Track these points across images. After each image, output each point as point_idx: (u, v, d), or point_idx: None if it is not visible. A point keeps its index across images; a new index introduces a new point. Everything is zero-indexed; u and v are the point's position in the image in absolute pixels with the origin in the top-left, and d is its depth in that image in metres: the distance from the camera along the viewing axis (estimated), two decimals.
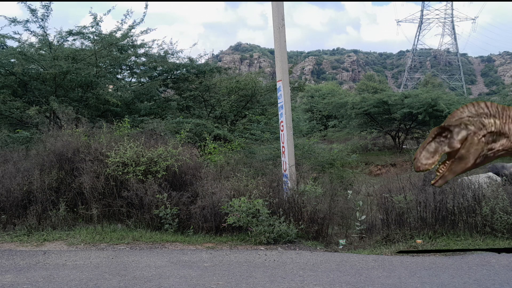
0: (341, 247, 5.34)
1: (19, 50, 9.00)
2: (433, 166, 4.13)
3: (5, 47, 9.61)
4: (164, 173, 6.13)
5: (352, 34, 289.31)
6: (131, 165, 6.15)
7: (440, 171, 4.15)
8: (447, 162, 4.15)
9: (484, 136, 4.43)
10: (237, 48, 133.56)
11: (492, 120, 4.48)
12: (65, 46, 10.08)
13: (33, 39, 9.87)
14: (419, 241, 5.11)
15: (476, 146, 4.31)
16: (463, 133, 4.40)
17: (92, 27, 9.68)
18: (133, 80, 12.02)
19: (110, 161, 6.17)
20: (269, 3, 6.95)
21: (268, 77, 33.21)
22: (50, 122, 8.58)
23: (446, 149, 4.32)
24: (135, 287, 3.26)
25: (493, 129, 4.47)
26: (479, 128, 4.44)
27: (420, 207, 5.49)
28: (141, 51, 11.15)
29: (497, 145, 4.49)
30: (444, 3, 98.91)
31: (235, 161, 7.52)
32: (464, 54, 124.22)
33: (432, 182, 4.24)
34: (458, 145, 4.38)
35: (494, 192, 5.33)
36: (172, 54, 11.79)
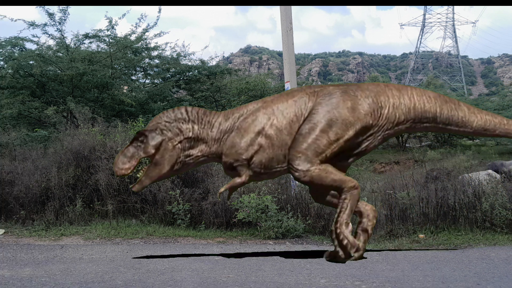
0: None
1: (38, 52, 9.25)
2: (130, 171, 4.14)
3: (24, 49, 9.86)
4: None
5: (357, 37, 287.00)
6: (145, 163, 6.31)
7: (138, 175, 4.20)
8: (145, 167, 4.18)
9: (180, 142, 4.46)
10: (247, 50, 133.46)
11: (190, 126, 4.52)
12: (82, 48, 10.32)
13: (51, 42, 10.14)
14: (421, 235, 5.21)
15: (171, 152, 4.37)
16: (158, 139, 4.45)
17: (108, 30, 9.93)
18: (147, 81, 12.24)
19: None
20: (278, 7, 7.08)
21: (277, 79, 33.24)
22: (67, 122, 8.77)
23: (142, 154, 4.35)
24: (149, 280, 3.30)
25: (190, 134, 4.50)
26: (175, 134, 4.47)
27: (422, 203, 5.60)
28: (155, 53, 11.38)
29: (196, 151, 4.54)
30: (446, 7, 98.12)
31: None
32: (465, 56, 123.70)
33: (131, 186, 4.31)
34: (153, 151, 4.44)
35: (493, 188, 5.41)
36: (185, 56, 12.02)
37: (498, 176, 6.98)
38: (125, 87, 10.66)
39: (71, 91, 9.39)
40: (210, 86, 11.98)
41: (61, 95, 9.48)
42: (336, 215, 3.65)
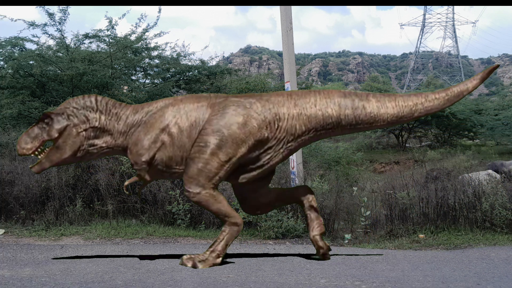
0: (347, 241, 5.45)
1: (38, 52, 9.25)
2: (32, 152, 4.10)
3: (24, 49, 9.88)
4: None
5: (357, 37, 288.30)
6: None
7: (39, 157, 4.15)
8: (47, 149, 4.11)
9: (85, 130, 4.41)
10: (247, 50, 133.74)
11: (97, 115, 4.47)
12: (82, 48, 10.33)
13: (51, 42, 10.13)
14: (421, 235, 5.22)
15: (74, 139, 4.32)
16: (63, 123, 4.39)
17: (108, 30, 9.92)
18: (147, 81, 12.24)
19: (125, 159, 6.35)
20: (278, 7, 7.09)
21: (277, 78, 33.24)
22: None
23: (45, 136, 4.30)
24: (149, 280, 3.30)
25: (96, 124, 4.46)
26: (82, 121, 4.43)
27: (422, 203, 5.61)
28: (155, 53, 11.38)
29: (100, 142, 4.49)
30: (446, 7, 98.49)
31: None
32: (465, 56, 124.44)
33: (30, 166, 4.28)
34: (56, 134, 4.38)
35: (493, 188, 5.43)
36: (185, 56, 12.02)
37: (498, 176, 7.00)
38: (125, 87, 10.67)
39: (71, 91, 9.41)
40: (210, 86, 11.99)
41: (61, 95, 9.49)
42: (212, 242, 3.69)
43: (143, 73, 11.98)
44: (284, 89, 7.63)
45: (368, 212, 5.69)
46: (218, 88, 11.98)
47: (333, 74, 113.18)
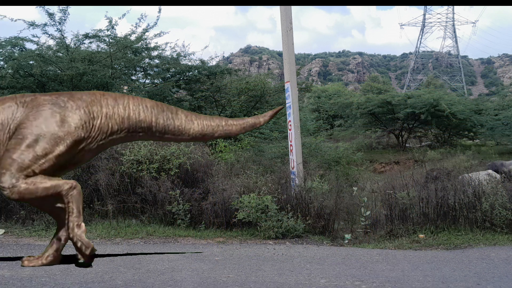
0: (347, 241, 5.46)
1: (38, 52, 9.25)
2: None
3: (24, 49, 9.88)
4: (176, 170, 6.29)
5: (357, 37, 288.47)
6: (145, 163, 6.33)
7: None
8: None
9: None
10: (247, 50, 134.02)
11: None
12: (82, 48, 10.33)
13: (51, 42, 10.13)
14: (421, 235, 5.22)
15: None
16: None
17: (108, 30, 9.92)
18: (147, 81, 12.25)
19: (125, 159, 6.35)
20: (278, 7, 7.09)
21: (277, 78, 33.31)
22: None
23: None
24: (149, 280, 3.31)
25: None
26: None
27: (422, 203, 5.61)
28: (155, 53, 11.38)
29: None
30: (446, 7, 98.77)
31: (244, 159, 7.64)
32: (465, 57, 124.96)
33: None
34: None
35: (493, 188, 5.44)
36: (185, 56, 12.02)
37: (498, 176, 7.01)
38: (125, 87, 10.69)
39: (71, 91, 9.42)
40: (210, 86, 11.99)
41: None
42: (66, 221, 3.60)
43: (143, 73, 11.99)
44: (284, 89, 7.63)
45: (368, 212, 5.69)
46: (218, 88, 11.99)
47: (333, 74, 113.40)
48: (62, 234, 3.77)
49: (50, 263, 3.72)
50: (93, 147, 3.72)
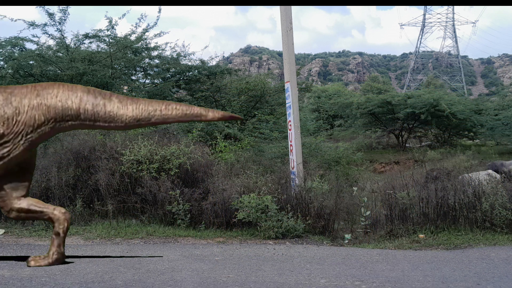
0: (347, 241, 5.46)
1: (38, 52, 9.26)
2: None
3: (24, 49, 9.89)
4: (176, 170, 6.29)
5: (357, 37, 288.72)
6: (145, 163, 6.33)
7: None
8: None
9: None
10: (247, 50, 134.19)
11: None
12: (82, 48, 10.34)
13: (51, 42, 10.15)
14: (421, 235, 5.22)
15: None
16: None
17: (108, 30, 9.94)
18: (147, 81, 12.26)
19: (125, 159, 6.34)
20: (278, 7, 7.09)
21: (277, 79, 33.29)
22: None
23: None
24: (149, 280, 3.31)
25: None
26: None
27: (422, 203, 5.61)
28: (155, 53, 11.40)
29: None
30: (446, 7, 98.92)
31: (245, 159, 7.63)
32: (465, 57, 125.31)
33: None
34: None
35: (493, 188, 5.43)
36: (185, 56, 12.04)
37: (498, 176, 7.01)
38: (125, 87, 10.69)
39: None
40: (210, 86, 12.00)
41: None
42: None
43: (143, 73, 12.00)
44: (284, 89, 7.63)
45: (368, 212, 5.69)
46: (218, 88, 11.99)
47: (333, 74, 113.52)
48: (58, 227, 3.78)
49: (56, 261, 3.72)
50: (21, 142, 3.62)
